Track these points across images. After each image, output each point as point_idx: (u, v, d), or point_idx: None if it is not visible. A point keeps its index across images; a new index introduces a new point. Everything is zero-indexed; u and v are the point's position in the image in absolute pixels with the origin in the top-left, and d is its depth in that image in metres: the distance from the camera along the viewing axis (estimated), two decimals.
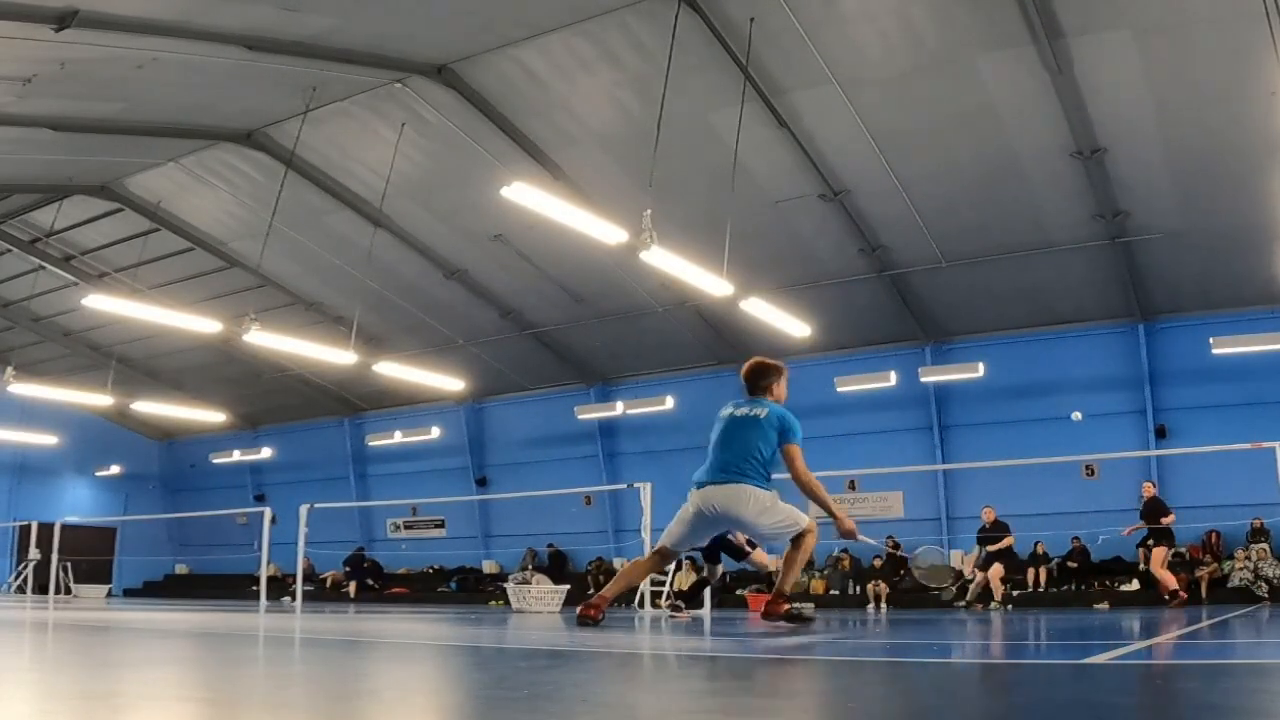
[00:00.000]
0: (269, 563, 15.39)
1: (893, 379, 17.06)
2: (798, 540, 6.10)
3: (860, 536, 6.41)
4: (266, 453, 24.35)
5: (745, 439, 6.05)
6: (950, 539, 17.29)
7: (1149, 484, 13.42)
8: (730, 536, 8.41)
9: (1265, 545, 14.31)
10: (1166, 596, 12.66)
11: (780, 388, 6.40)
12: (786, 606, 6.16)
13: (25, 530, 19.98)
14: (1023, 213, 13.69)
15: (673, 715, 2.08)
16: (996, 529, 13.81)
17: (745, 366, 6.50)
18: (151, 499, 26.19)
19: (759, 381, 6.36)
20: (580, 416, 19.81)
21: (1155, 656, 3.80)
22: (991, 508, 14.04)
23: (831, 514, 6.13)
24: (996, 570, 13.49)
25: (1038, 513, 15.59)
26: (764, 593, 16.51)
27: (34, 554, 18.85)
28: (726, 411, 6.37)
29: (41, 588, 18.75)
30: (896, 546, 17.26)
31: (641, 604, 12.42)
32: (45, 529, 17.88)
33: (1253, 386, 14.85)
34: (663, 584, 14.72)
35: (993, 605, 13.22)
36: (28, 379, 18.13)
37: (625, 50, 11.36)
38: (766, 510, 5.93)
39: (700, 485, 6.16)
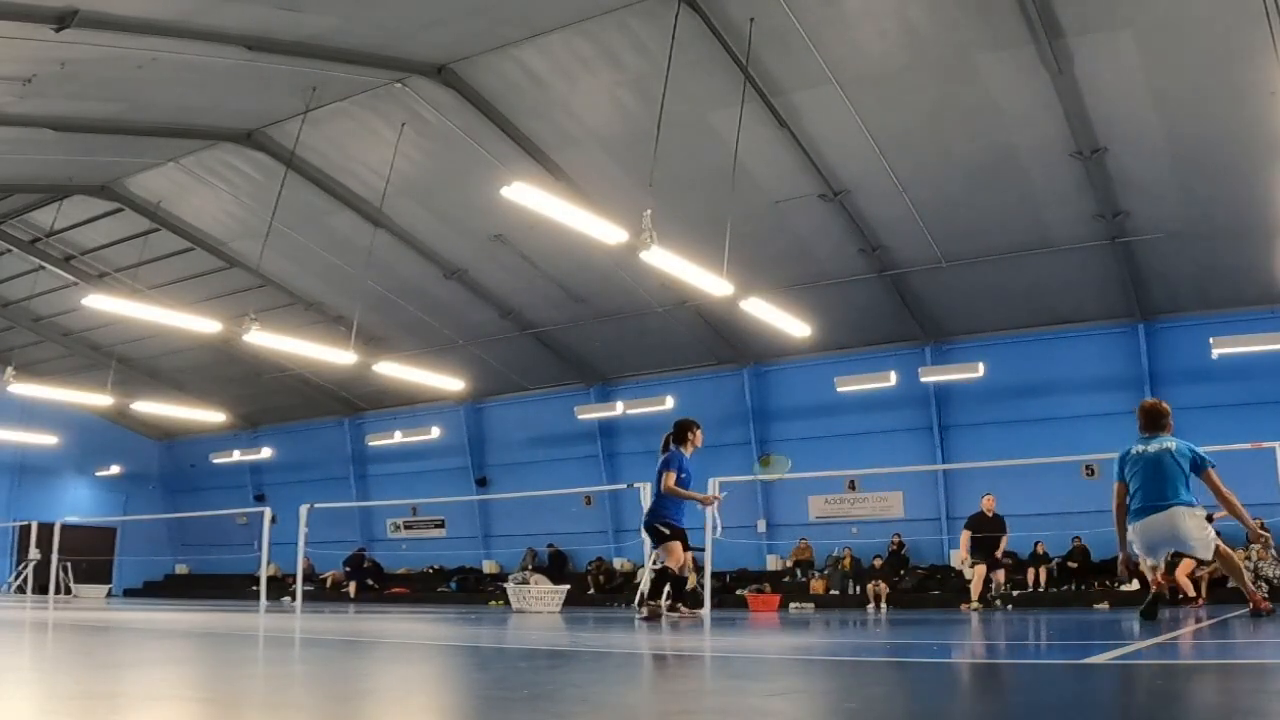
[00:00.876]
0: (269, 563, 15.39)
1: (893, 379, 17.06)
2: None
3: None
4: (266, 453, 24.35)
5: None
6: (950, 539, 17.29)
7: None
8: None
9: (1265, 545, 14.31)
10: (1180, 596, 12.69)
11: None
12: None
13: (25, 530, 19.99)
14: (1023, 212, 13.69)
15: (673, 715, 2.08)
16: (995, 525, 13.57)
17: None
18: (151, 499, 26.19)
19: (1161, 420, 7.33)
20: (580, 416, 19.81)
21: (1155, 656, 3.80)
22: (992, 496, 13.81)
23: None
24: (980, 570, 13.29)
25: (1038, 513, 15.59)
26: (763, 593, 16.54)
27: (34, 554, 18.87)
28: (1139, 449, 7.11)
29: (41, 588, 18.76)
30: (901, 546, 17.30)
31: (642, 604, 12.40)
32: (45, 529, 17.89)
33: (1253, 386, 14.84)
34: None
35: (973, 605, 13.02)
36: (28, 379, 18.13)
37: (625, 50, 11.36)
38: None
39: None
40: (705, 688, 2.70)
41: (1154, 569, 7.30)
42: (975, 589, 13.38)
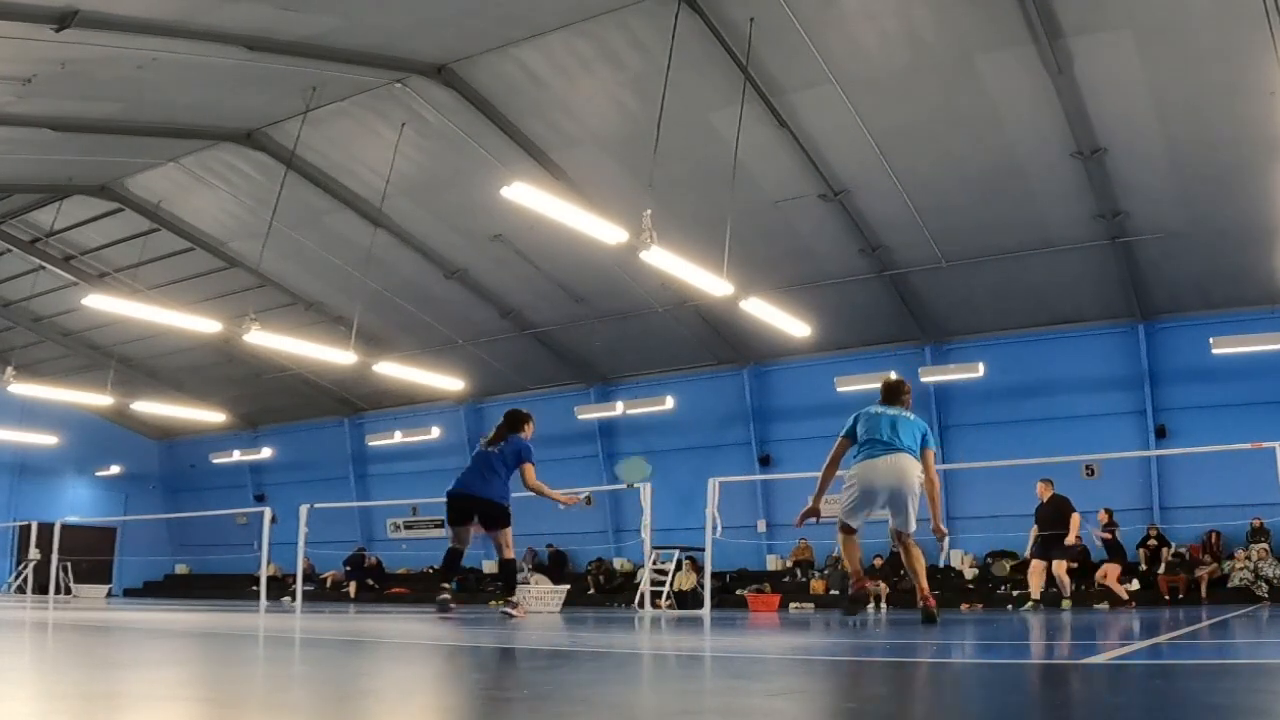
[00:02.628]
0: (269, 563, 15.37)
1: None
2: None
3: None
4: (266, 453, 24.34)
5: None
6: (950, 539, 17.28)
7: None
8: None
9: (1265, 545, 14.32)
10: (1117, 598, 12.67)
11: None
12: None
13: (25, 530, 19.98)
14: (1023, 213, 13.69)
15: (673, 715, 2.08)
16: (1057, 509, 12.30)
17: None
18: (151, 499, 26.18)
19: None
20: (580, 416, 19.81)
21: (1155, 656, 3.80)
22: (1049, 481, 12.58)
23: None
24: (1061, 565, 12.29)
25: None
26: (762, 593, 16.54)
27: (34, 554, 18.85)
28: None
29: (41, 588, 18.75)
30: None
31: (642, 604, 12.42)
32: (45, 529, 17.88)
33: (1253, 386, 14.85)
34: (663, 584, 14.75)
35: (1027, 606, 12.28)
36: (28, 379, 18.13)
37: (625, 50, 11.36)
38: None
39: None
40: (705, 688, 2.70)
41: (855, 563, 7.57)
42: (1035, 586, 12.41)
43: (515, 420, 8.69)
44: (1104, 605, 13.01)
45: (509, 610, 8.25)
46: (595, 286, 16.84)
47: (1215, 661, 3.57)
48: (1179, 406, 15.72)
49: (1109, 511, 13.79)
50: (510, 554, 8.42)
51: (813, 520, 7.47)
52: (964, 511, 16.85)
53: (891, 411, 7.30)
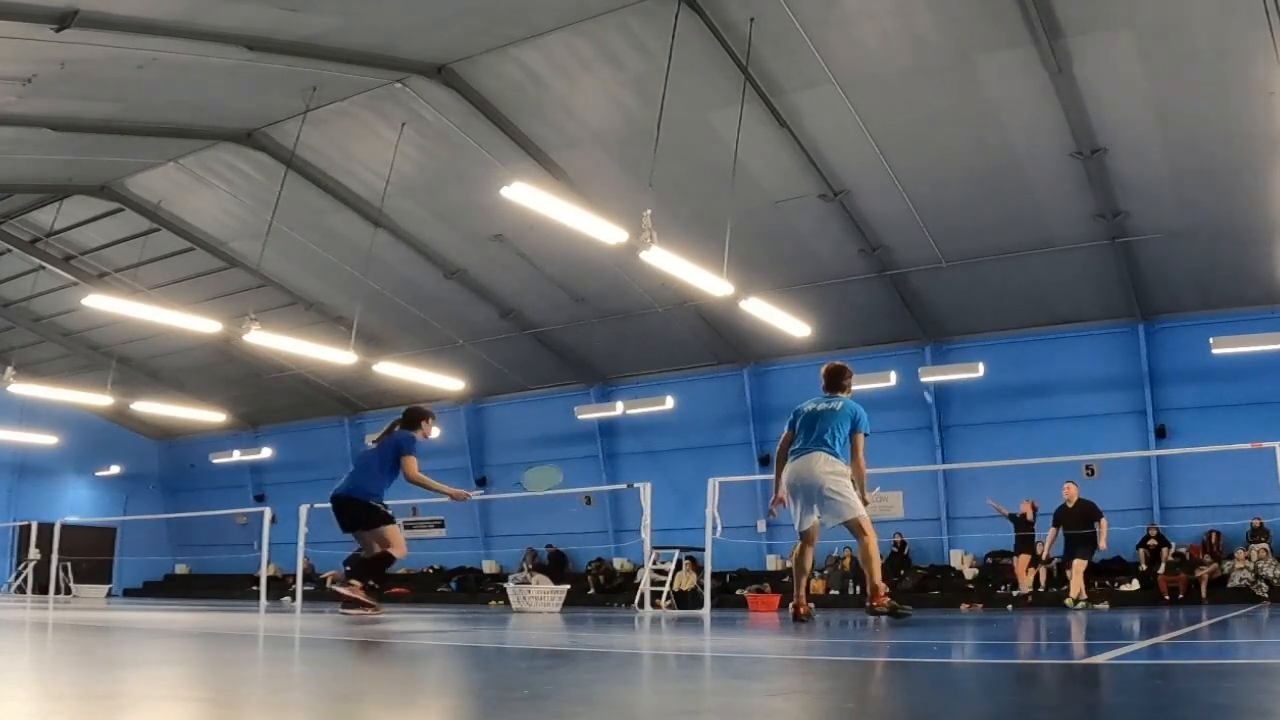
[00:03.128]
0: (269, 563, 15.38)
1: (893, 379, 17.04)
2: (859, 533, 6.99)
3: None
4: (266, 453, 24.33)
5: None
6: (950, 539, 17.30)
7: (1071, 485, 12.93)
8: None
9: (1265, 545, 14.32)
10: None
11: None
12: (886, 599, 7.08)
13: (25, 530, 19.97)
14: (1023, 212, 13.69)
15: (673, 715, 2.07)
16: (1084, 512, 12.57)
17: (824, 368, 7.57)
18: (151, 499, 26.18)
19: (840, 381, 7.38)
20: (580, 416, 19.81)
21: (1155, 656, 3.80)
22: (1074, 484, 12.95)
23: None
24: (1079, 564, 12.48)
25: (1038, 512, 15.59)
26: (762, 593, 16.54)
27: (34, 554, 18.84)
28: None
29: (41, 588, 18.75)
30: (901, 546, 17.29)
31: (642, 604, 12.42)
32: (45, 529, 17.87)
33: (1253, 386, 14.85)
34: (663, 584, 14.75)
35: (1079, 604, 12.30)
36: (28, 379, 18.13)
37: (625, 50, 11.36)
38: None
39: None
40: (705, 688, 2.70)
41: (799, 580, 7.32)
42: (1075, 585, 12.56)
43: (410, 417, 8.21)
44: (1104, 605, 12.99)
45: (343, 590, 7.52)
46: (595, 286, 16.84)
47: (1215, 661, 3.57)
48: (1179, 406, 15.72)
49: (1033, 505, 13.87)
50: (384, 551, 7.84)
51: (783, 506, 7.23)
52: (964, 511, 16.86)
53: (820, 406, 7.15)
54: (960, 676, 3.15)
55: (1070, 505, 12.79)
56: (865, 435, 7.03)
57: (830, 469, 6.88)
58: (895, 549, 17.18)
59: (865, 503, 7.07)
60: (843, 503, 6.88)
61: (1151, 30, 10.24)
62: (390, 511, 8.13)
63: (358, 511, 7.90)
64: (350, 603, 7.70)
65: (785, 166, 13.12)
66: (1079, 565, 12.57)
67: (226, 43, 10.49)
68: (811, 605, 7.76)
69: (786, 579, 17.80)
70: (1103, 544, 12.48)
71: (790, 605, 7.35)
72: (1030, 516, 13.83)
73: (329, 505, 8.16)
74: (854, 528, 6.95)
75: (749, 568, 18.49)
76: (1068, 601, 12.62)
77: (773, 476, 7.46)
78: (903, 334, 17.31)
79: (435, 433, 8.29)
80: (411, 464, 7.92)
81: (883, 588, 7.07)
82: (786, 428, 7.30)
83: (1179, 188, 12.76)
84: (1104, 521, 12.49)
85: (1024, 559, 13.87)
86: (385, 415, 23.14)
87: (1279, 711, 2.08)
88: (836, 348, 17.64)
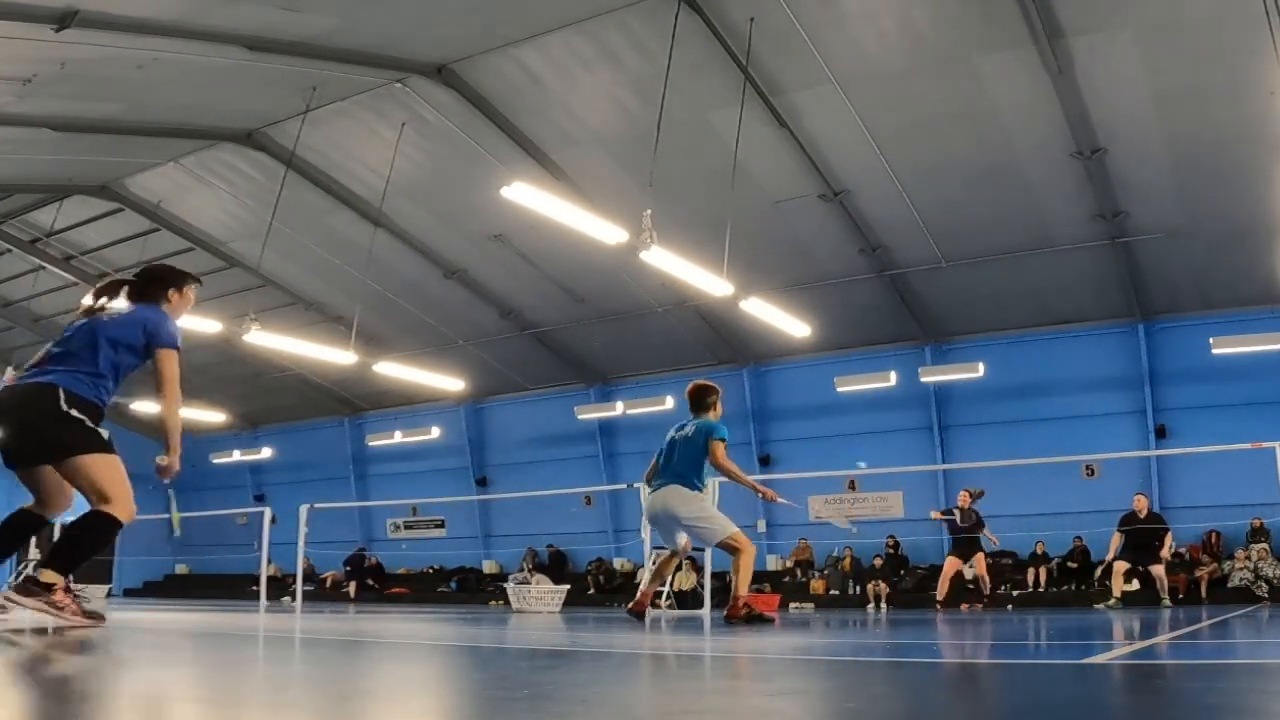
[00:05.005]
0: (269, 563, 15.38)
1: (893, 379, 17.06)
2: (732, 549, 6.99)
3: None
4: (266, 453, 24.33)
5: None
6: (951, 539, 17.29)
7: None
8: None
9: (1265, 545, 14.32)
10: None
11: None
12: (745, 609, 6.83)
13: None
14: (1023, 213, 13.69)
15: (673, 715, 2.08)
16: (1155, 522, 12.91)
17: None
18: (151, 499, 26.09)
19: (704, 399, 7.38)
20: (580, 416, 19.81)
21: (1155, 656, 3.80)
22: (1145, 495, 13.25)
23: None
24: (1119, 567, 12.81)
25: (1038, 513, 15.61)
26: (762, 593, 16.54)
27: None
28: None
29: None
30: (896, 546, 17.29)
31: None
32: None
33: (1253, 386, 14.85)
34: (663, 584, 14.74)
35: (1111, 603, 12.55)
36: None
37: (625, 50, 11.36)
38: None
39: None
40: (705, 688, 2.70)
41: (651, 580, 7.73)
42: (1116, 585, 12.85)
43: (153, 281, 5.04)
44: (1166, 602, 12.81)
45: (25, 600, 4.50)
46: (595, 286, 16.84)
47: (1215, 661, 3.57)
48: (1179, 406, 15.72)
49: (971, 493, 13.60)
50: (115, 510, 4.68)
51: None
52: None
53: (678, 434, 7.25)
54: (960, 677, 3.15)
55: (1142, 515, 12.99)
56: (722, 440, 7.06)
57: (683, 500, 6.95)
58: (890, 550, 17.17)
59: (767, 496, 7.51)
60: (710, 528, 6.96)
61: (1152, 30, 10.24)
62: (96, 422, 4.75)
63: (39, 425, 4.49)
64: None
65: (785, 166, 13.12)
66: (1160, 569, 12.81)
67: (226, 43, 10.49)
68: (658, 606, 8.04)
69: (787, 579, 17.82)
70: (1165, 552, 12.84)
71: (633, 604, 7.44)
72: (967, 504, 13.33)
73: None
74: (728, 548, 6.98)
75: None
76: (1163, 600, 12.65)
77: (770, 477, 7.71)
78: (903, 334, 17.31)
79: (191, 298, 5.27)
80: (170, 361, 5.14)
81: (743, 599, 6.91)
82: (656, 455, 7.47)
83: (1179, 188, 12.77)
84: (1169, 535, 12.94)
85: (953, 561, 13.43)
86: (385, 415, 23.33)
87: (1277, 711, 2.08)
88: (836, 348, 17.66)
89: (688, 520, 6.96)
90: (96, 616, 4.83)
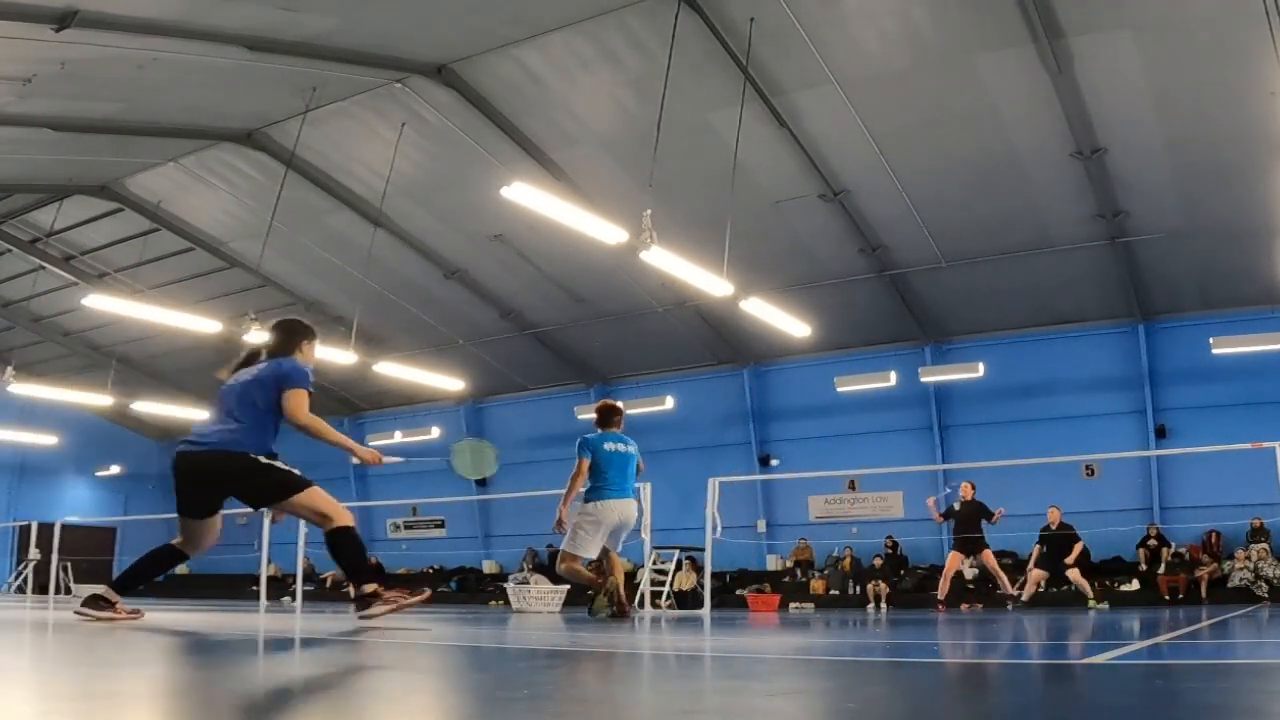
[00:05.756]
0: (269, 563, 15.37)
1: (893, 379, 17.06)
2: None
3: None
4: None
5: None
6: (950, 539, 17.29)
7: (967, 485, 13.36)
8: None
9: (1265, 545, 14.33)
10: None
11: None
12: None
13: (25, 530, 19.98)
14: (1023, 212, 13.69)
15: (673, 715, 2.08)
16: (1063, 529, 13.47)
17: None
18: (151, 499, 26.14)
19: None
20: (580, 416, 19.77)
21: (1155, 656, 3.80)
22: (1057, 508, 13.67)
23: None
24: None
25: (1038, 513, 15.58)
26: (762, 593, 16.55)
27: (34, 554, 18.85)
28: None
29: (41, 587, 18.75)
30: (895, 546, 17.29)
31: (642, 604, 12.42)
32: (45, 529, 17.88)
33: (1253, 386, 14.86)
34: (663, 584, 14.75)
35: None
36: (28, 379, 18.13)
37: (625, 50, 11.36)
38: None
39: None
40: (705, 688, 2.70)
41: (596, 564, 8.14)
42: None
43: (288, 333, 5.75)
44: (1104, 605, 12.99)
45: (370, 611, 5.36)
46: (595, 286, 16.84)
47: (1215, 661, 3.57)
48: (1179, 406, 15.73)
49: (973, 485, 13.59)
50: (336, 521, 5.40)
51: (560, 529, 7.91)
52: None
53: (621, 448, 8.09)
54: (960, 676, 3.15)
55: (1054, 526, 13.50)
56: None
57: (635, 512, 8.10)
58: (889, 550, 17.18)
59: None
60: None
61: (1152, 30, 10.24)
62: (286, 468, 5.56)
63: (234, 469, 5.40)
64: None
65: (785, 166, 13.12)
66: (1073, 574, 13.32)
67: (226, 43, 10.49)
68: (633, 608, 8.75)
69: (787, 579, 17.82)
70: (1071, 559, 13.32)
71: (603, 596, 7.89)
72: (970, 495, 13.33)
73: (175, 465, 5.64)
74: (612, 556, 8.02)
75: (749, 568, 18.49)
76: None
77: (770, 477, 8.08)
78: (903, 334, 17.31)
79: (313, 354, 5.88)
80: (300, 401, 5.60)
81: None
82: (589, 456, 7.93)
83: (1179, 188, 12.77)
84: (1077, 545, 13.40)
85: (955, 557, 13.50)
86: (385, 415, 23.33)
87: (1277, 711, 2.08)
88: (836, 348, 17.66)
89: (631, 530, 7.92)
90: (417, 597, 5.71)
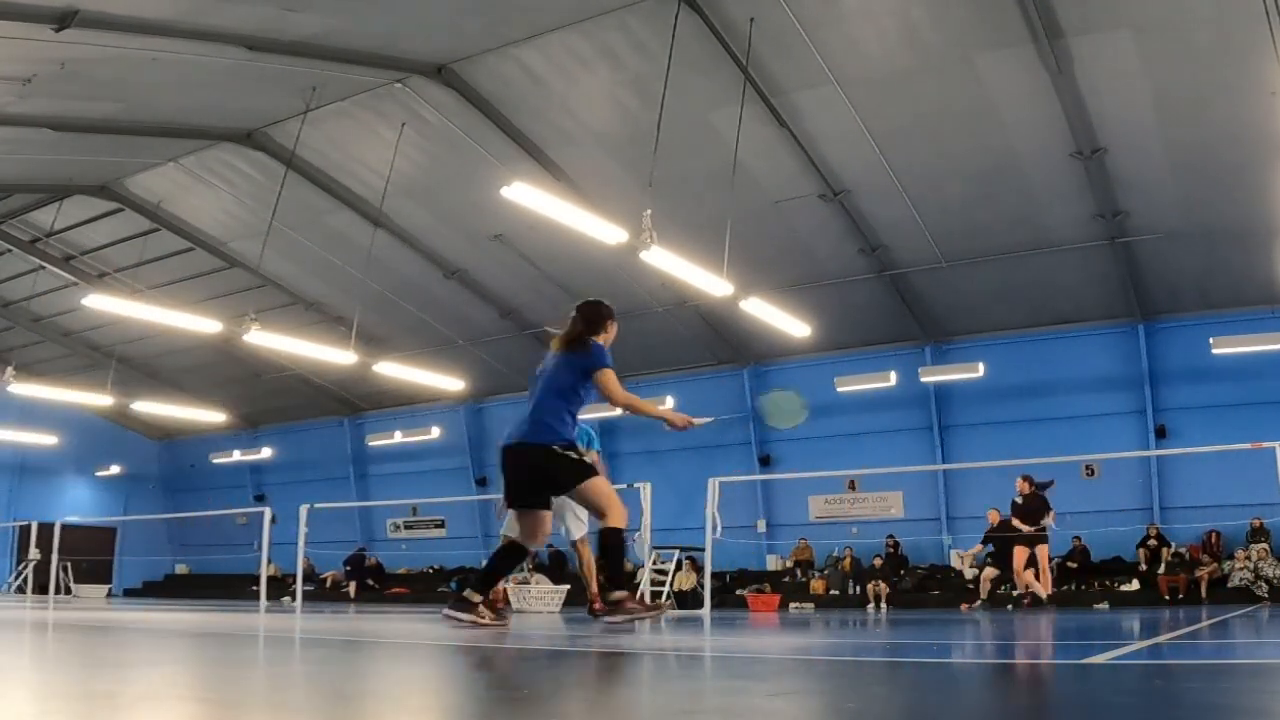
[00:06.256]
0: (269, 563, 15.38)
1: (893, 379, 17.06)
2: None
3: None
4: (266, 453, 24.34)
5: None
6: (951, 539, 17.30)
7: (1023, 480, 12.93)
8: None
9: (1265, 545, 14.33)
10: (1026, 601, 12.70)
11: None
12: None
13: (25, 530, 19.99)
14: (1023, 213, 13.69)
15: (673, 715, 2.08)
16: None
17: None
18: (151, 499, 26.18)
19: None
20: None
21: (1155, 656, 3.80)
22: (996, 510, 13.58)
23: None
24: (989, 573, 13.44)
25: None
26: (762, 593, 16.55)
27: (34, 554, 18.86)
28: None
29: (41, 588, 18.76)
30: (896, 546, 17.29)
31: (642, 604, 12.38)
32: (45, 529, 17.89)
33: (1253, 386, 14.85)
34: (663, 584, 14.74)
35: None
36: (28, 379, 18.13)
37: (625, 50, 11.36)
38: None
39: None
40: (705, 688, 2.70)
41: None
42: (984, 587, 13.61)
43: (591, 316, 5.69)
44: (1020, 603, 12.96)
45: (617, 616, 5.60)
46: (595, 286, 16.73)
47: (1215, 661, 3.57)
48: (1179, 406, 15.72)
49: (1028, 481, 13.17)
50: (610, 520, 5.44)
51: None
52: (963, 511, 16.85)
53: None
54: (960, 676, 3.15)
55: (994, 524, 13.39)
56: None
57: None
58: (890, 550, 17.19)
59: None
60: (577, 524, 7.96)
61: (1152, 30, 10.24)
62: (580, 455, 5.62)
63: (552, 465, 5.38)
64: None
65: (785, 166, 13.12)
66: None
67: (226, 42, 10.49)
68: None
69: (787, 579, 17.83)
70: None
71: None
72: (1028, 490, 13.04)
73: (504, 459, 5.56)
74: (578, 545, 8.17)
75: (749, 568, 18.49)
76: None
77: (770, 477, 7.87)
78: (903, 334, 17.31)
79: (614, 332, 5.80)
80: (613, 379, 5.49)
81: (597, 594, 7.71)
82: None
83: (1179, 188, 12.77)
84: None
85: (1022, 550, 13.02)
86: (385, 415, 23.32)
87: (1277, 711, 2.08)
88: (836, 348, 17.66)
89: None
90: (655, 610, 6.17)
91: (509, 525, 7.33)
